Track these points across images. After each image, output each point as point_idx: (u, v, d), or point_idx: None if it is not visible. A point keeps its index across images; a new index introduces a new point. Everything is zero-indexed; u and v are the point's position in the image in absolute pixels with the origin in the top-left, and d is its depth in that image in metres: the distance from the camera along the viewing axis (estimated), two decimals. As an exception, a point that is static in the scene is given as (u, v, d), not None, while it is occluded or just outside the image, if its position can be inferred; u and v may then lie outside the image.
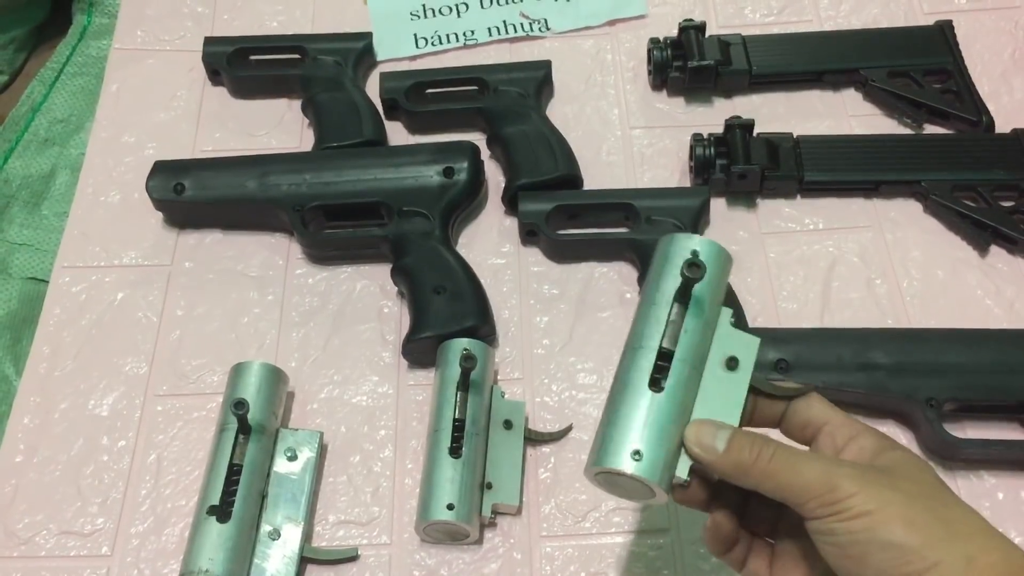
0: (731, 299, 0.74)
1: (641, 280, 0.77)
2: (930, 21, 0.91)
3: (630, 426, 0.48)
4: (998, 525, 0.64)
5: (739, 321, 0.73)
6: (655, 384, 0.48)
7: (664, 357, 0.49)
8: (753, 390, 0.50)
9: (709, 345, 0.50)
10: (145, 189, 0.80)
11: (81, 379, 0.75)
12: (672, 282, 0.50)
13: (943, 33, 0.89)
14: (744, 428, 0.48)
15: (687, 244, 0.51)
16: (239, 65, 0.90)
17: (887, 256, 0.79)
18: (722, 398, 0.49)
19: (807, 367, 0.69)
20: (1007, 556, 0.42)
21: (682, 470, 0.48)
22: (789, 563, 0.49)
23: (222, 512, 0.63)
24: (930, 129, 0.86)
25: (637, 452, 0.47)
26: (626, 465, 0.47)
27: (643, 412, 0.48)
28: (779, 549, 0.51)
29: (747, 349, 0.51)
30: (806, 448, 0.50)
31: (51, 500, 0.69)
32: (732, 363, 0.50)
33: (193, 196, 0.80)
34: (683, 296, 0.50)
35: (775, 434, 0.50)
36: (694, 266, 0.48)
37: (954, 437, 0.66)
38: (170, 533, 0.67)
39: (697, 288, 0.50)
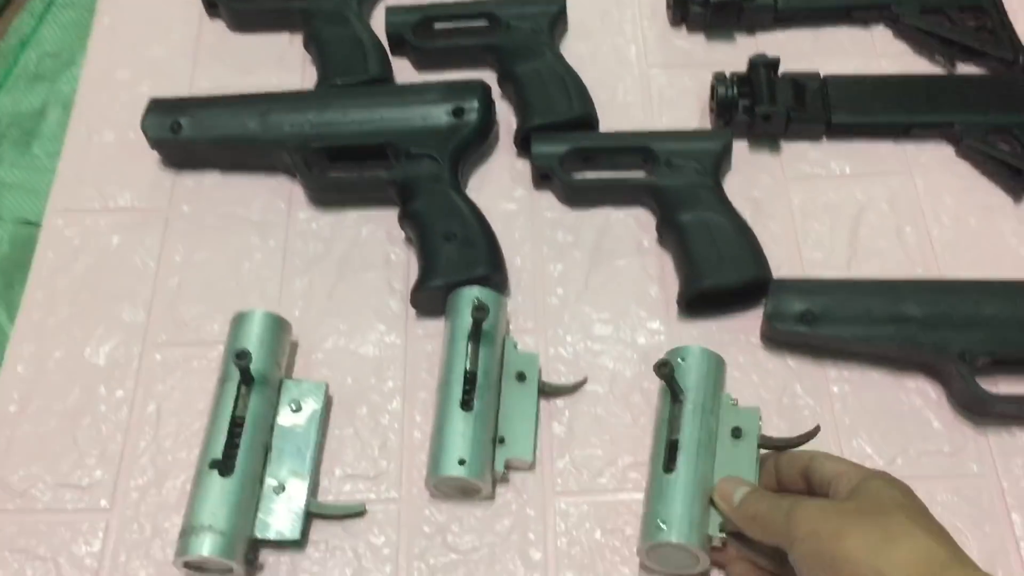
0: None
1: (659, 227, 0.74)
2: (966, -46, 0.86)
3: (657, 504, 0.58)
4: (1033, 485, 0.62)
5: None
6: (670, 467, 0.59)
7: (672, 445, 0.60)
8: (763, 446, 0.61)
9: (715, 426, 0.61)
10: (140, 128, 0.76)
11: (76, 327, 0.72)
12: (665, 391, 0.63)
13: (979, -33, 0.84)
14: (763, 489, 0.57)
15: (674, 353, 0.64)
16: (237, -4, 0.86)
17: (917, 203, 0.75)
18: (736, 463, 0.60)
19: (834, 319, 0.66)
20: (928, 556, 0.47)
21: (713, 528, 0.58)
22: None
23: (225, 466, 0.61)
24: (963, 69, 0.82)
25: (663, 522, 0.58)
26: (660, 536, 0.57)
27: (664, 490, 0.59)
28: None
29: (751, 420, 0.62)
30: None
31: (47, 452, 0.67)
32: (737, 432, 0.61)
33: (191, 136, 0.76)
34: (674, 397, 0.62)
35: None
36: (664, 365, 0.60)
37: (987, 393, 0.64)
38: (171, 486, 0.65)
39: (689, 390, 0.62)
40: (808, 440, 0.60)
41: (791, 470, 0.57)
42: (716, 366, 0.64)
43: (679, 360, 0.63)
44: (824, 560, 0.49)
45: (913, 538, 0.48)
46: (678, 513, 0.57)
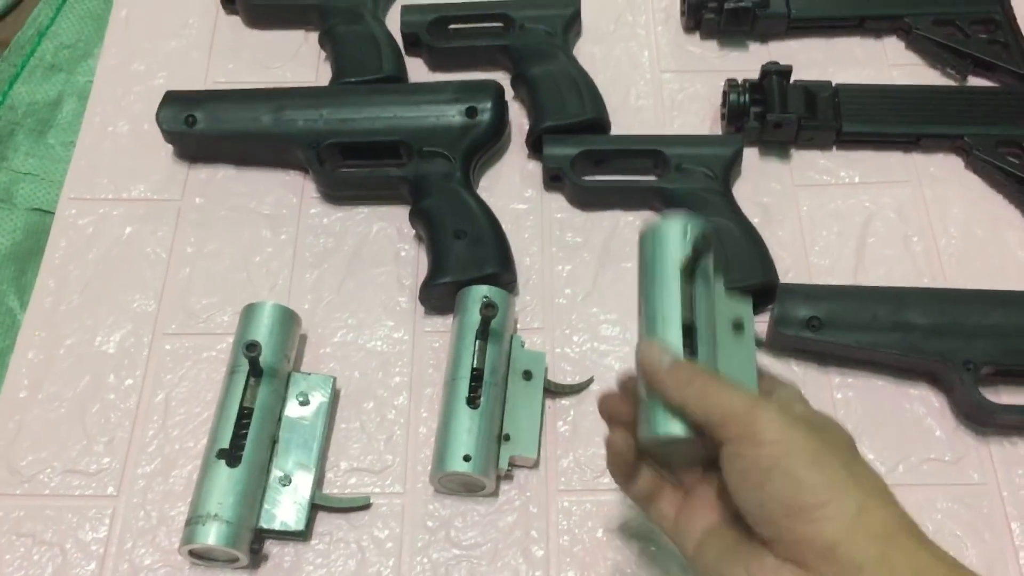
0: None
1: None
2: (979, -33, 0.86)
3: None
4: (1033, 495, 0.63)
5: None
6: (690, 356, 0.50)
7: (686, 332, 0.50)
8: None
9: (715, 311, 0.52)
10: (155, 120, 0.77)
11: (87, 315, 0.72)
12: (673, 262, 0.52)
13: (992, -20, 0.85)
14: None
15: (677, 226, 0.53)
16: (253, -7, 0.86)
17: (925, 213, 0.76)
18: (737, 360, 0.51)
19: (840, 325, 0.66)
20: (898, 515, 0.42)
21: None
22: (698, 509, 0.49)
23: (232, 456, 0.61)
24: (974, 81, 0.82)
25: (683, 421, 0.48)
26: (679, 430, 0.47)
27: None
28: (691, 495, 0.50)
29: (747, 308, 0.53)
30: None
31: (56, 438, 0.67)
32: (738, 325, 0.52)
33: (205, 129, 0.77)
34: (692, 271, 0.51)
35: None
36: (705, 239, 0.51)
37: (990, 402, 0.64)
38: (178, 475, 0.66)
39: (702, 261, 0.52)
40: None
41: None
42: (714, 240, 0.54)
43: (687, 229, 0.52)
44: (781, 471, 0.42)
45: (883, 495, 0.43)
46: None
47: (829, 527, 0.41)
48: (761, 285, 0.69)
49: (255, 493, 0.62)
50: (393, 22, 0.85)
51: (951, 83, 0.82)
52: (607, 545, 0.63)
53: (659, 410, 0.48)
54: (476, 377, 0.64)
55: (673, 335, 0.49)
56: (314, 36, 0.86)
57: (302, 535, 0.62)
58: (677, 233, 0.52)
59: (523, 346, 0.68)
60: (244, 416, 0.63)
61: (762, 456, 0.43)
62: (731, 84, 0.78)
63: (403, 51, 0.84)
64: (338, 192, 0.77)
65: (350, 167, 0.77)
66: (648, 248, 0.54)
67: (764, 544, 0.43)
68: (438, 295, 0.70)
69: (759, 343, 0.53)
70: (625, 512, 0.64)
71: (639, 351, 0.49)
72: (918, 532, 0.42)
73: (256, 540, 0.61)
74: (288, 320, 0.68)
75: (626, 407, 0.51)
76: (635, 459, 0.50)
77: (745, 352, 0.52)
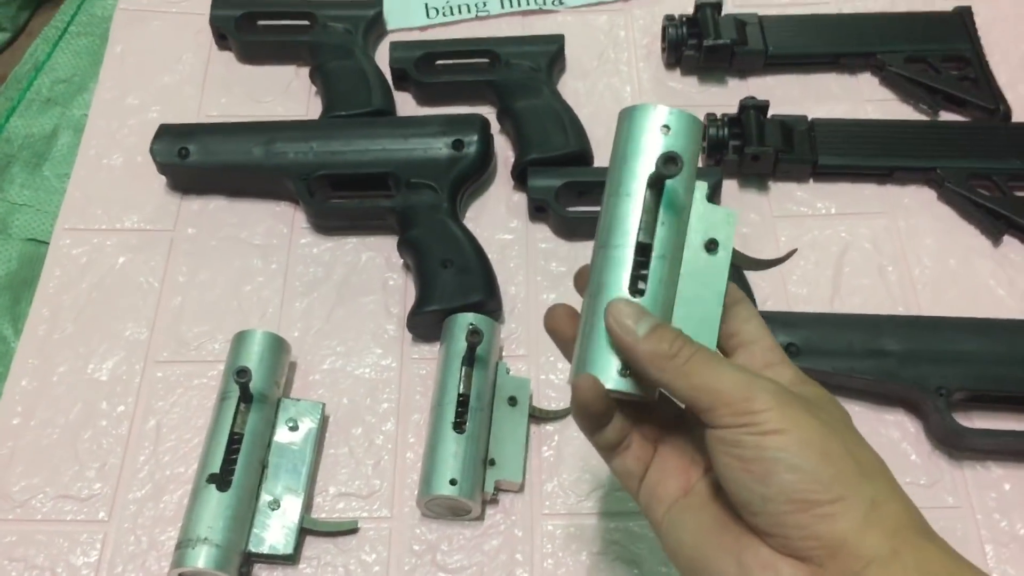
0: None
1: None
2: (949, 6, 0.89)
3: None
4: (1004, 516, 0.64)
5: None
6: (636, 286, 0.44)
7: (641, 251, 0.44)
8: (734, 266, 0.46)
9: (686, 228, 0.46)
10: (149, 152, 0.79)
11: (81, 343, 0.74)
12: (643, 167, 0.45)
13: (962, 19, 0.88)
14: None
15: (655, 119, 0.45)
16: (247, 30, 0.89)
17: (899, 243, 0.78)
18: (701, 286, 0.45)
19: (817, 352, 0.68)
20: (907, 507, 0.41)
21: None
22: (669, 471, 0.46)
23: (222, 481, 0.63)
24: (946, 116, 0.85)
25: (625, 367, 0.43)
26: (611, 382, 0.43)
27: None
28: (660, 454, 0.47)
29: (726, 226, 0.46)
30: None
31: (48, 463, 0.68)
32: (712, 245, 0.46)
33: (198, 161, 0.79)
34: (657, 186, 0.44)
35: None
36: (671, 162, 0.42)
37: (963, 427, 0.66)
38: (168, 500, 0.67)
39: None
40: (782, 262, 0.51)
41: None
42: (699, 137, 0.47)
43: (663, 128, 0.45)
44: (788, 465, 0.39)
45: (889, 482, 0.42)
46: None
47: (840, 523, 0.39)
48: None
49: (245, 517, 0.63)
50: (382, 58, 0.88)
51: (923, 118, 0.84)
52: (591, 568, 0.64)
53: (605, 354, 0.43)
54: (462, 403, 0.66)
55: (624, 255, 0.44)
56: (305, 71, 0.88)
57: (291, 559, 0.63)
58: (655, 130, 0.45)
59: (508, 373, 0.70)
60: (234, 441, 0.64)
61: (765, 446, 0.40)
62: (710, 118, 0.80)
63: (392, 86, 0.86)
64: (328, 223, 0.79)
65: (339, 198, 0.79)
66: (619, 138, 0.46)
67: (754, 532, 0.41)
68: (425, 323, 0.72)
69: (735, 264, 0.47)
70: (609, 536, 0.65)
71: (607, 312, 0.43)
72: (926, 526, 0.41)
73: (245, 564, 0.62)
74: (278, 347, 0.69)
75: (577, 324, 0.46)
76: (608, 406, 0.45)
77: (713, 278, 0.45)
